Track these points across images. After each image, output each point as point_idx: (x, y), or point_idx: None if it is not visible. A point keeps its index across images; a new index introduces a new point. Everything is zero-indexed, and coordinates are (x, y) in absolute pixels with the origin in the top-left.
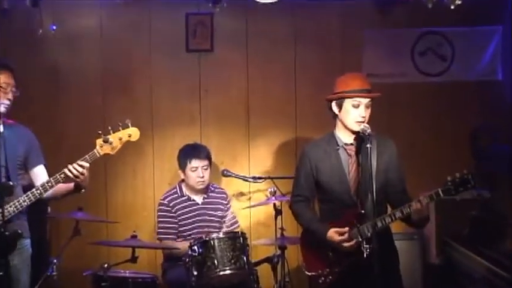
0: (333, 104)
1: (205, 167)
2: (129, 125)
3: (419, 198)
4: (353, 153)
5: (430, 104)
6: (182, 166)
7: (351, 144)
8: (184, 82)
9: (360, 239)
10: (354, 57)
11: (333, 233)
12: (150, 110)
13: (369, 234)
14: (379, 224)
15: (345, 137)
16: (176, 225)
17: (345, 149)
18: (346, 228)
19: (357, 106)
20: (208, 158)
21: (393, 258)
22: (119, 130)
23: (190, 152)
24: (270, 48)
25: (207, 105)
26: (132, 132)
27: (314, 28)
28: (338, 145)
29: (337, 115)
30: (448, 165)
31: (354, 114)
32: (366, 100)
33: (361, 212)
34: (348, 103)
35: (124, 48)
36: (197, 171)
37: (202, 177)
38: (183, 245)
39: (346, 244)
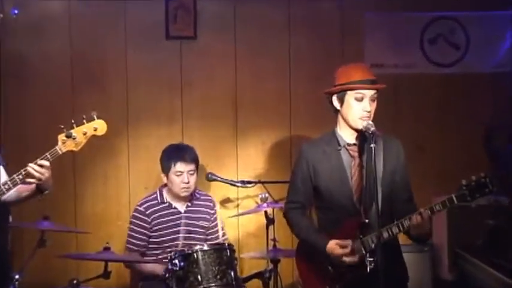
0: (334, 98)
1: (191, 172)
2: (95, 117)
3: (420, 210)
4: (356, 154)
5: (441, 99)
6: (165, 169)
7: (354, 144)
8: (164, 74)
9: (364, 252)
10: (355, 45)
11: (333, 246)
12: (125, 105)
13: (373, 246)
14: (385, 235)
15: (347, 136)
16: (146, 238)
17: (347, 150)
18: (349, 241)
19: (360, 99)
20: (196, 161)
21: (401, 273)
22: (83, 123)
23: (175, 153)
24: (261, 36)
25: (190, 101)
26: (99, 126)
27: (310, 13)
28: (339, 145)
29: (338, 110)
30: (460, 168)
31: (357, 109)
32: (371, 92)
33: (364, 221)
34: (350, 96)
35: (95, 36)
36: (182, 176)
37: (188, 183)
38: (153, 268)
39: (348, 258)
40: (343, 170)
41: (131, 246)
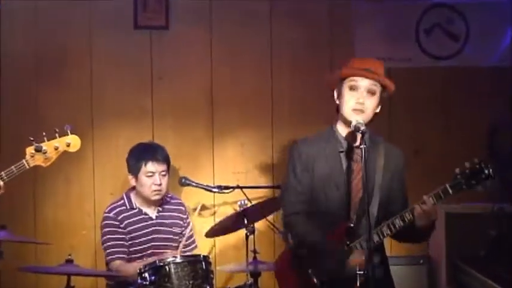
0: (335, 91)
1: (163, 173)
2: (68, 131)
3: (422, 199)
4: (357, 157)
5: (439, 95)
6: (134, 170)
7: (356, 146)
8: (133, 68)
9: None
10: (344, 37)
11: (358, 257)
12: (89, 102)
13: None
14: (376, 239)
15: (345, 133)
16: (125, 242)
17: (348, 152)
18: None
19: (354, 88)
20: (168, 161)
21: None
22: (55, 137)
23: (146, 152)
24: (239, 25)
25: (161, 97)
26: (72, 141)
27: (294, 2)
28: (342, 146)
29: (337, 106)
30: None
31: (350, 99)
32: (366, 82)
33: (350, 225)
34: (345, 85)
35: (57, 26)
36: (154, 177)
37: (160, 184)
38: (135, 268)
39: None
40: (342, 175)
41: (115, 256)
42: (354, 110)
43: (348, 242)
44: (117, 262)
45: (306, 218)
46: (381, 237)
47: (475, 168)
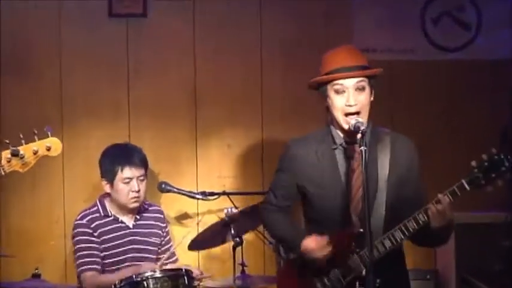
0: (318, 93)
1: (141, 178)
2: (49, 134)
3: (437, 197)
4: (357, 155)
5: (447, 90)
6: (108, 176)
7: (353, 142)
8: (106, 60)
9: (362, 268)
10: (342, 26)
11: (309, 240)
12: (58, 98)
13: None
14: (388, 244)
15: (342, 132)
16: (99, 252)
17: (345, 150)
18: (325, 237)
19: (340, 91)
20: (145, 164)
21: None
22: (34, 140)
23: (122, 156)
24: (225, 14)
25: (138, 92)
26: (52, 145)
27: None
28: (335, 143)
29: (327, 108)
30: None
31: (338, 104)
32: (353, 81)
33: (360, 231)
34: (330, 89)
35: (23, 14)
36: (131, 183)
37: (138, 191)
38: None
39: (319, 253)
40: (339, 175)
41: (87, 267)
42: (347, 114)
43: (357, 250)
44: (89, 274)
45: (280, 213)
46: (394, 242)
47: (493, 160)
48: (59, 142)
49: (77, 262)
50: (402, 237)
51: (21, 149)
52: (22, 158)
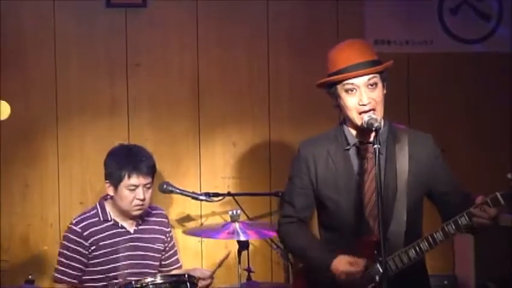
0: (328, 93)
1: (148, 185)
2: None
3: (478, 203)
4: (371, 155)
5: (467, 84)
6: (113, 179)
7: (368, 142)
8: (104, 52)
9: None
10: (353, 15)
11: (342, 261)
12: (53, 93)
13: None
14: (413, 255)
15: (357, 132)
16: (81, 266)
17: (359, 150)
18: (362, 260)
19: (351, 91)
20: (153, 172)
21: None
22: None
23: (129, 162)
24: (230, 3)
25: (138, 87)
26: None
27: None
28: (348, 144)
29: (338, 107)
30: (492, 169)
31: (351, 103)
32: (364, 79)
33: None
34: (340, 89)
35: (16, 3)
36: (136, 190)
37: (143, 199)
38: None
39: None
40: (353, 177)
41: (62, 277)
42: (361, 113)
43: (380, 259)
44: (60, 286)
45: (298, 226)
46: (420, 253)
47: None
48: (6, 104)
49: (56, 266)
50: (428, 248)
51: None
52: None
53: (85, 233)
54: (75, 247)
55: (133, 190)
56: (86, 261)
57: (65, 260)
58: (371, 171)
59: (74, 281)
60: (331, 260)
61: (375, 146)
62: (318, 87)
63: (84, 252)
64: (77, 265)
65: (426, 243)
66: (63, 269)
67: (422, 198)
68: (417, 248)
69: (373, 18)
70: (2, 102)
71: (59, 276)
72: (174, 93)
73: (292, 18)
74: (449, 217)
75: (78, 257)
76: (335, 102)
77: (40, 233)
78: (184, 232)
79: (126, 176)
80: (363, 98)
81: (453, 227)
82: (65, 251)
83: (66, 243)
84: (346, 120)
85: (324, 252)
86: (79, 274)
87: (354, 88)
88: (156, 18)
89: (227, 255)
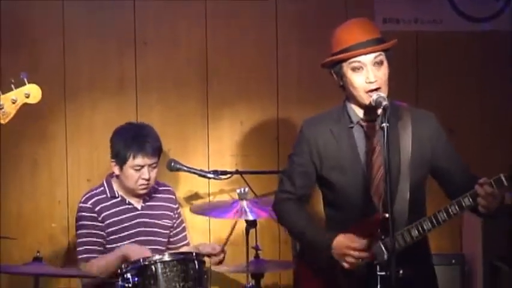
0: (332, 72)
1: (153, 165)
2: (26, 80)
3: (481, 184)
4: (375, 134)
5: (476, 64)
6: (118, 159)
7: (372, 120)
8: (112, 30)
9: (386, 258)
10: None
11: (343, 239)
12: (61, 71)
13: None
14: (415, 234)
15: (361, 111)
16: (102, 240)
17: (363, 128)
18: (363, 240)
19: (358, 69)
20: (159, 152)
21: None
22: (11, 89)
23: (135, 142)
24: None
25: (146, 65)
26: (31, 91)
27: None
28: (352, 122)
29: (342, 86)
30: (503, 151)
31: (358, 82)
32: (371, 57)
33: (385, 216)
34: (346, 67)
35: None
36: (142, 170)
37: (148, 179)
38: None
39: (357, 254)
40: (356, 155)
41: (87, 256)
42: (368, 91)
43: (382, 237)
44: (88, 263)
45: (296, 204)
46: (421, 232)
47: None
48: (38, 88)
49: (78, 249)
50: (431, 227)
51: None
52: (1, 109)
53: (96, 209)
54: (91, 223)
55: (139, 170)
56: (105, 234)
57: (85, 239)
58: (375, 149)
59: (98, 255)
60: (330, 239)
61: (383, 124)
62: (323, 67)
63: (101, 225)
64: (99, 240)
65: (429, 222)
66: (86, 247)
67: (425, 177)
68: (420, 228)
69: None
70: (33, 85)
71: (85, 256)
72: (182, 72)
73: (300, 1)
74: (454, 197)
75: (97, 231)
76: (340, 81)
77: (49, 210)
78: (192, 211)
79: (132, 157)
80: (369, 75)
81: (456, 207)
82: (83, 231)
83: (81, 223)
84: (349, 98)
85: (323, 232)
86: (102, 249)
87: (361, 66)
88: None
89: (233, 228)
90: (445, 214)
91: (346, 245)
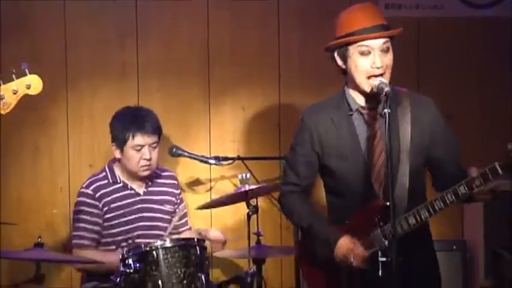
0: (335, 55)
1: (154, 145)
2: (27, 71)
3: (478, 173)
4: (375, 121)
5: (478, 50)
6: (118, 141)
7: (372, 108)
8: (114, 17)
9: (385, 245)
10: None
11: (348, 241)
12: (62, 58)
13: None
14: (412, 222)
15: (360, 97)
16: (98, 228)
17: (363, 115)
18: (366, 252)
19: (366, 53)
20: (159, 131)
21: (432, 276)
22: (12, 80)
23: (133, 121)
24: None
25: (147, 52)
26: (32, 82)
27: None
28: (351, 109)
29: (344, 70)
30: (502, 145)
31: (364, 66)
32: (379, 42)
33: (385, 204)
34: (353, 51)
35: None
36: (142, 150)
37: (149, 159)
38: (109, 258)
39: (355, 263)
40: (357, 142)
41: (81, 242)
42: (372, 76)
43: (381, 224)
44: (80, 250)
45: (302, 198)
46: (419, 220)
47: None
48: (39, 79)
49: (73, 233)
50: (428, 216)
51: (0, 90)
52: (2, 99)
53: (97, 195)
54: (90, 209)
55: (139, 150)
56: (102, 222)
57: (81, 225)
58: (375, 135)
59: (93, 244)
60: (338, 237)
61: (385, 110)
62: (326, 49)
63: (99, 212)
64: (95, 227)
65: (426, 211)
66: (80, 233)
67: (424, 164)
68: (417, 216)
69: None
70: (35, 76)
71: (78, 241)
72: (183, 59)
73: None
74: (442, 185)
75: (94, 219)
76: (342, 65)
77: (50, 196)
78: (196, 207)
79: (131, 137)
80: (376, 60)
81: (452, 195)
82: (80, 216)
83: (80, 208)
84: (349, 83)
85: (330, 228)
86: (97, 237)
87: (369, 51)
88: None
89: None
90: (441, 202)
91: (350, 247)
